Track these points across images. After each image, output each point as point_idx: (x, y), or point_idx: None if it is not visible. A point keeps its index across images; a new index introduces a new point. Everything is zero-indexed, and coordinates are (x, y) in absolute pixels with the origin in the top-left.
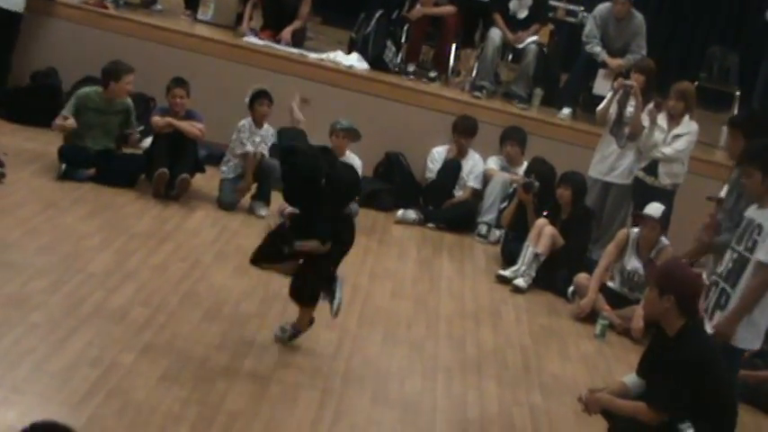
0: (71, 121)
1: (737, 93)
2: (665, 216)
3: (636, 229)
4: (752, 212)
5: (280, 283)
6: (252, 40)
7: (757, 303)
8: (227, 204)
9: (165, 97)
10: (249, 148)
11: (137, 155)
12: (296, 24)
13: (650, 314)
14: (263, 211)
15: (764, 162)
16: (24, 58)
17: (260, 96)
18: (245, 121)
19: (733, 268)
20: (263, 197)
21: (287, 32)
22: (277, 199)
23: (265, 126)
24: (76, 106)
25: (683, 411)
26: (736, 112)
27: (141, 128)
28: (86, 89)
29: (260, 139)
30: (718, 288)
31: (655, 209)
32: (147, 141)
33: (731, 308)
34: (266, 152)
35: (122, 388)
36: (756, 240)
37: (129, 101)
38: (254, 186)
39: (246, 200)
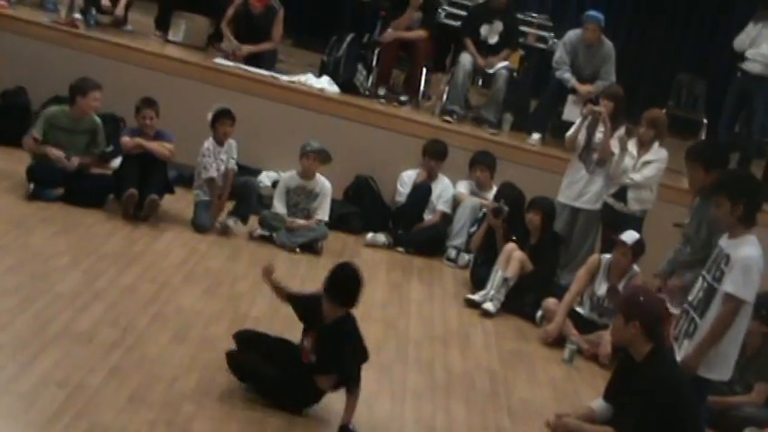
0: (57, 152)
1: (705, 120)
2: (641, 245)
3: (608, 255)
4: (722, 242)
5: (248, 305)
6: (222, 61)
7: (724, 335)
8: (201, 227)
9: (135, 118)
10: (213, 173)
11: (106, 175)
12: (267, 45)
13: (618, 341)
14: (238, 226)
15: (733, 192)
16: None
17: (222, 116)
18: (208, 143)
19: (702, 298)
20: (240, 214)
21: (249, 48)
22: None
23: (228, 142)
24: (45, 126)
25: None
26: (703, 138)
27: (111, 148)
28: (54, 108)
29: (225, 156)
30: (688, 317)
31: (629, 236)
32: (117, 162)
33: (698, 340)
34: (235, 166)
35: (90, 409)
36: (723, 271)
37: (98, 120)
38: (230, 204)
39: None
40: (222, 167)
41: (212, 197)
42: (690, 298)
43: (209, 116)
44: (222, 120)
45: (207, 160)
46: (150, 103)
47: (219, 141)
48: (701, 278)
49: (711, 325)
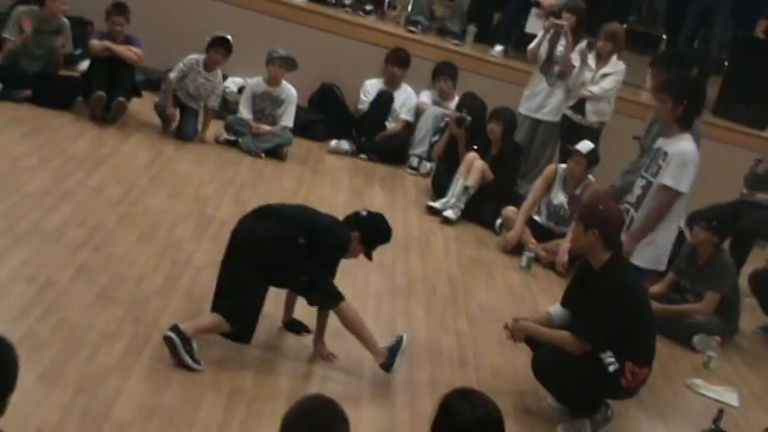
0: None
1: (664, 36)
2: (595, 154)
3: (563, 165)
4: (660, 142)
5: (214, 208)
6: None
7: (657, 224)
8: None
9: (105, 22)
10: (192, 90)
11: (74, 77)
12: None
13: (577, 248)
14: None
15: (677, 92)
16: None
17: (217, 44)
18: (197, 57)
19: (641, 194)
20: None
21: None
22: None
23: (216, 72)
24: (14, 25)
25: (607, 341)
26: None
27: (79, 51)
28: (23, 7)
29: (204, 81)
30: (629, 215)
31: (584, 145)
32: (85, 64)
33: (633, 227)
34: (216, 104)
35: (59, 305)
36: (661, 166)
37: (66, 21)
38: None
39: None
40: (201, 91)
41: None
42: (630, 199)
43: (207, 39)
44: (216, 48)
45: (191, 71)
46: (122, 8)
47: (209, 67)
48: (639, 177)
49: (646, 215)
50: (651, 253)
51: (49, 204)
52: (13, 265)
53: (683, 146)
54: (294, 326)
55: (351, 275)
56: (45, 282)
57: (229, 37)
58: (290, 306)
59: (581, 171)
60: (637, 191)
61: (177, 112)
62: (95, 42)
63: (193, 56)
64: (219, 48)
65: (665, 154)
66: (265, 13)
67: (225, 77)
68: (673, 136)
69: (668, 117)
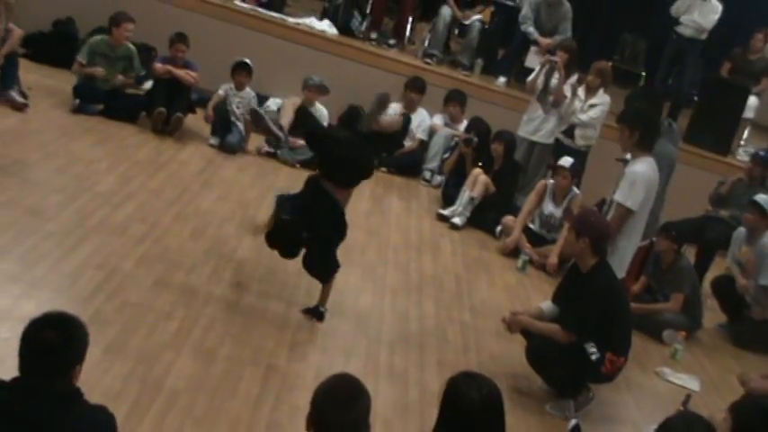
0: (100, 70)
1: (643, 73)
2: (577, 170)
3: (552, 181)
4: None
5: (255, 209)
6: (240, 4)
7: (615, 236)
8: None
9: (169, 49)
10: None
11: (139, 95)
12: None
13: (568, 253)
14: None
15: (630, 122)
16: (47, 7)
17: (239, 67)
18: (228, 84)
19: (607, 210)
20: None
21: None
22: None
23: (246, 90)
24: (89, 52)
25: (590, 333)
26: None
27: (144, 72)
28: (96, 37)
29: (239, 100)
30: None
31: (565, 160)
32: (149, 84)
33: None
34: (248, 115)
35: (122, 289)
36: (619, 184)
37: (133, 48)
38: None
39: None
40: (239, 109)
41: (245, 126)
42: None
43: (231, 66)
44: (239, 71)
45: (230, 100)
46: (183, 37)
47: (238, 87)
48: (610, 195)
49: None
50: (612, 261)
51: (115, 203)
52: (84, 255)
53: (636, 167)
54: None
55: (371, 271)
56: (111, 269)
57: (248, 60)
58: None
59: (567, 183)
60: (605, 208)
61: (212, 115)
62: (159, 66)
63: (224, 84)
64: (242, 70)
65: (623, 174)
66: (302, 44)
67: (266, 98)
68: (635, 158)
69: (627, 143)
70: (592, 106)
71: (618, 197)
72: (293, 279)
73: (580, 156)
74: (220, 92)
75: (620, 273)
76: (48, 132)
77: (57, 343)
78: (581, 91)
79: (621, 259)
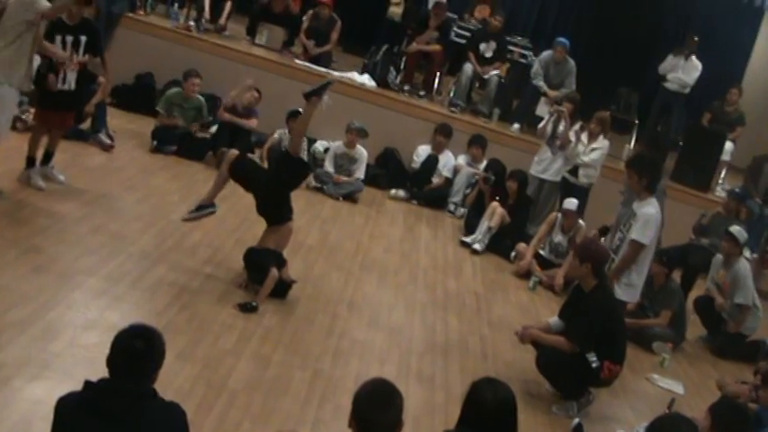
0: (179, 120)
1: (636, 121)
2: (580, 207)
3: (560, 214)
4: (634, 205)
5: (304, 236)
6: (298, 62)
7: (628, 268)
8: None
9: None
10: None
11: (206, 138)
12: (326, 47)
13: (572, 275)
14: None
15: (638, 166)
16: (130, 63)
17: (292, 115)
18: (281, 131)
19: (619, 246)
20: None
21: (315, 49)
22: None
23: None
24: (165, 102)
25: (592, 344)
26: (634, 135)
27: (211, 119)
28: (172, 90)
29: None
30: (610, 260)
31: (571, 203)
32: (214, 128)
33: (612, 270)
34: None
35: (192, 303)
36: (632, 224)
37: (202, 99)
38: None
39: None
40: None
41: None
42: (612, 246)
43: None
44: (293, 119)
45: (282, 142)
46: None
47: (290, 131)
48: (619, 232)
49: (619, 261)
50: (629, 290)
51: (186, 229)
52: (159, 273)
53: (646, 209)
54: None
55: (403, 290)
56: (182, 286)
57: (300, 109)
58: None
59: (573, 220)
60: (616, 242)
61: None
62: (224, 114)
63: (279, 129)
64: (295, 118)
65: (635, 214)
66: (346, 95)
67: (314, 141)
68: (642, 200)
69: (636, 187)
70: (593, 149)
71: (634, 236)
72: (336, 295)
73: (583, 191)
74: (275, 135)
75: (636, 297)
76: (130, 169)
77: (143, 350)
78: (584, 136)
79: (636, 287)
